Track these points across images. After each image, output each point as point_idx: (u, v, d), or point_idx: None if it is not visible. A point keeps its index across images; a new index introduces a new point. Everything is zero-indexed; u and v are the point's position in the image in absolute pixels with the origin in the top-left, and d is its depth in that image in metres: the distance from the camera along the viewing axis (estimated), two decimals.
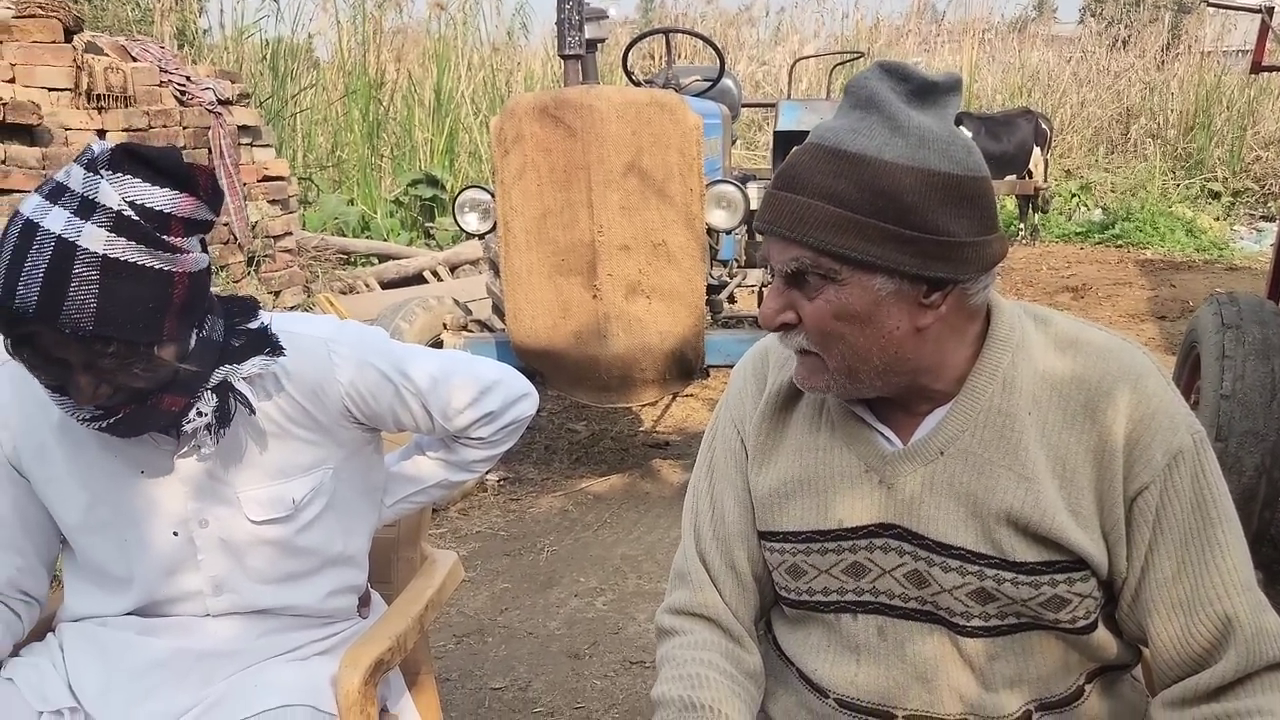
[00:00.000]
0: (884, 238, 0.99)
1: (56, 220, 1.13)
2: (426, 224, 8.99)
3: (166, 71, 4.71)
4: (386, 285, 7.11)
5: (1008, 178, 9.51)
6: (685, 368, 3.63)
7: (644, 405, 4.51)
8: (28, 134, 3.93)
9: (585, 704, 2.52)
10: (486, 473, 4.08)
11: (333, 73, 10.98)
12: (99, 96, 4.24)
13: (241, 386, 1.32)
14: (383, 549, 1.72)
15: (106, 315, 1.14)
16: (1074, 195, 10.87)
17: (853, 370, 1.07)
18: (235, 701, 1.33)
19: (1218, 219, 10.19)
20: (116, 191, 1.15)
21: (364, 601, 1.59)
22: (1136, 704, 1.18)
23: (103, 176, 1.16)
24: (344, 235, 8.22)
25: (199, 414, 1.29)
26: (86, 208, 1.14)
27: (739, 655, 1.22)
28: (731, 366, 3.77)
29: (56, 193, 1.16)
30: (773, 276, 1.08)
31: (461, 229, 3.77)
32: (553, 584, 3.22)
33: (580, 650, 2.79)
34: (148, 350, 1.20)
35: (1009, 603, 1.08)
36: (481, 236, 3.82)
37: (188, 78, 4.84)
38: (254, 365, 1.32)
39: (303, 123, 9.84)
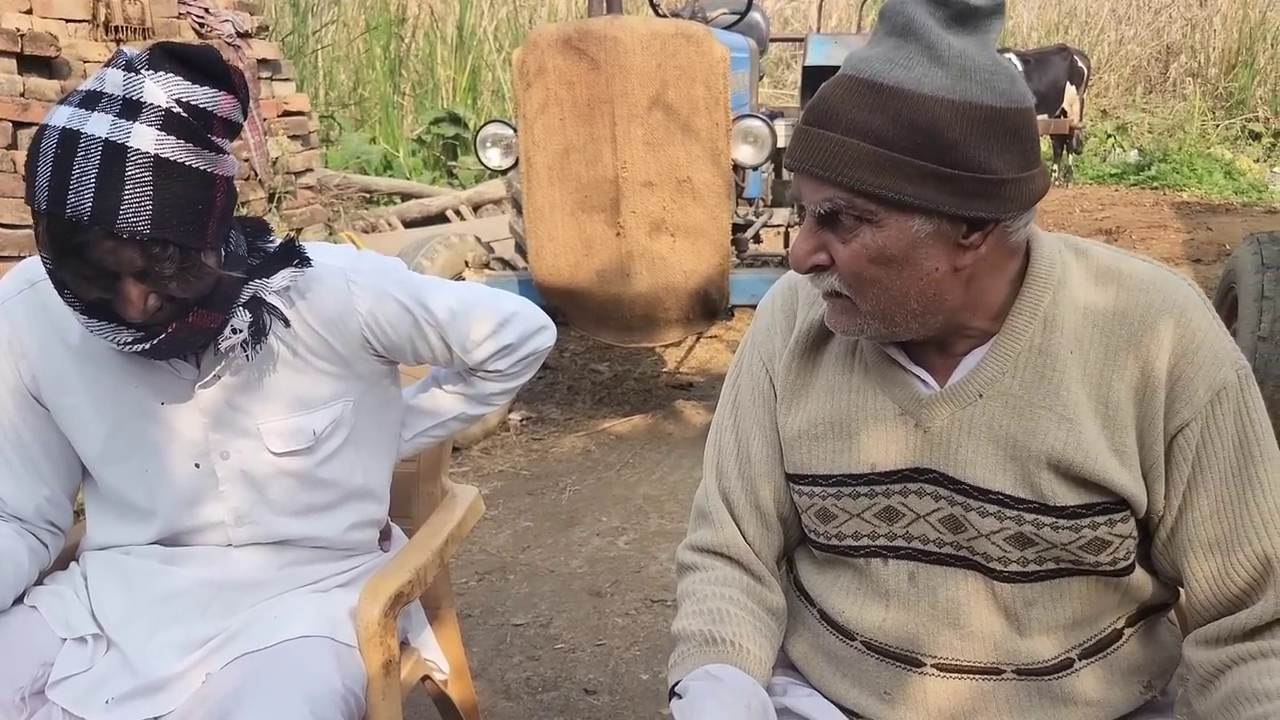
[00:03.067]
0: (923, 176, 0.94)
1: (99, 125, 1.11)
2: (449, 163, 8.93)
3: (185, 3, 4.65)
4: (409, 224, 7.09)
5: (1040, 117, 9.30)
6: (710, 307, 3.59)
7: (667, 346, 4.48)
8: (46, 66, 3.89)
9: (606, 640, 2.53)
10: (508, 410, 4.09)
11: (354, 8, 10.85)
12: (117, 29, 4.19)
13: (273, 300, 1.30)
14: (403, 484, 1.71)
15: (162, 217, 1.13)
16: (1109, 136, 10.65)
17: (887, 314, 1.02)
18: (256, 632, 1.33)
19: (1258, 160, 9.96)
20: (163, 89, 1.14)
21: (384, 535, 1.58)
22: (1172, 647, 1.15)
23: (145, 76, 1.14)
24: (366, 174, 8.18)
25: (234, 330, 1.28)
26: (131, 108, 1.13)
27: (760, 592, 1.20)
28: (755, 306, 3.75)
29: (90, 100, 1.14)
30: (801, 215, 1.04)
31: (483, 164, 3.73)
32: (574, 523, 3.22)
33: (602, 588, 2.79)
34: (196, 255, 1.19)
35: (1048, 547, 1.05)
36: (504, 172, 3.77)
37: (206, 9, 4.78)
38: (283, 278, 1.32)
39: (324, 60, 9.75)
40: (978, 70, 0.94)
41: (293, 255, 1.33)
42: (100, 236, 1.12)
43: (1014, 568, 1.07)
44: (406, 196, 7.82)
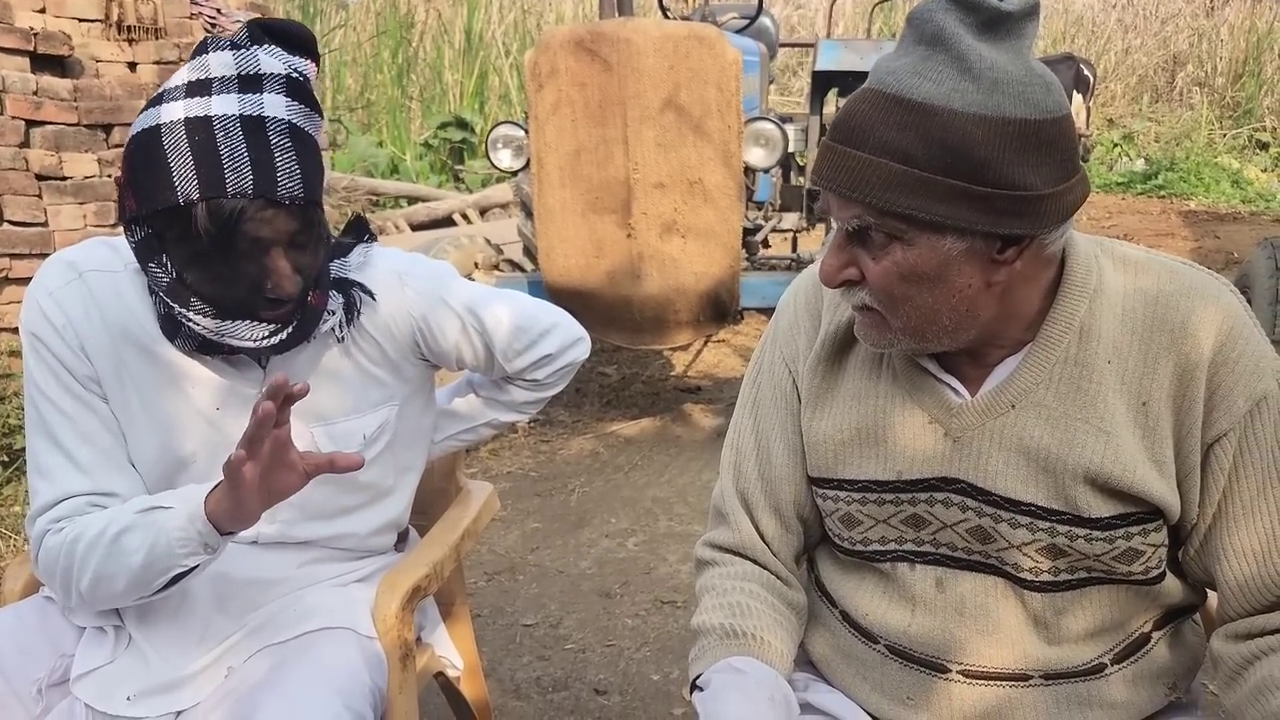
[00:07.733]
0: (953, 196, 0.91)
1: (227, 105, 1.12)
2: (456, 167, 8.95)
3: (197, 3, 4.66)
4: (416, 227, 7.11)
5: None
6: (720, 310, 3.59)
7: (676, 348, 4.48)
8: (59, 65, 3.89)
9: (616, 641, 2.52)
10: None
11: (362, 13, 10.89)
12: (129, 28, 4.20)
13: (356, 277, 1.32)
14: (420, 481, 1.70)
15: (309, 179, 1.15)
16: (1116, 145, 10.64)
17: (919, 330, 1.00)
18: (277, 626, 1.32)
19: (1265, 170, 9.93)
20: (275, 60, 1.16)
21: (402, 539, 1.57)
22: (1196, 648, 1.15)
23: (255, 49, 1.15)
24: (373, 177, 8.20)
25: (329, 312, 1.29)
26: (251, 82, 1.14)
27: (780, 588, 1.19)
28: (765, 310, 3.75)
29: (200, 87, 1.13)
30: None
31: (494, 165, 3.73)
32: (583, 524, 3.22)
33: (611, 589, 2.79)
34: (324, 220, 1.20)
35: (1080, 558, 1.04)
36: (514, 174, 3.77)
37: (218, 10, 4.78)
38: (358, 254, 1.35)
39: (331, 64, 9.78)
40: (1010, 82, 0.90)
41: (362, 231, 1.35)
42: (261, 209, 1.12)
43: (1045, 577, 1.06)
44: (413, 200, 7.84)
